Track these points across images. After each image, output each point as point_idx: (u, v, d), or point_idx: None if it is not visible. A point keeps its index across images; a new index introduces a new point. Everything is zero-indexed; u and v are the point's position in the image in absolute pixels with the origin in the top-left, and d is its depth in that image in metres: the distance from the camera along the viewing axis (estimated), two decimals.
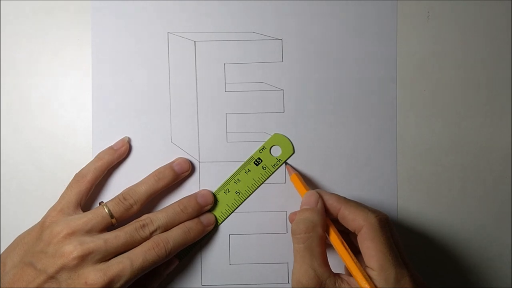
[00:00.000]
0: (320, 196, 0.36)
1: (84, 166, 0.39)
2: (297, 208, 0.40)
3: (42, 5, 0.41)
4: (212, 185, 0.41)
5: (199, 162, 0.41)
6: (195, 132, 0.41)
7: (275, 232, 0.41)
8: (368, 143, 0.41)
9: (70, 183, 0.39)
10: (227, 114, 0.41)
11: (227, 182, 0.41)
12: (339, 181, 0.41)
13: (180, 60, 0.41)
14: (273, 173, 0.41)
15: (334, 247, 0.35)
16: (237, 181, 0.41)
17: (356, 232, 0.34)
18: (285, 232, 0.41)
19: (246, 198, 0.41)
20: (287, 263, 0.41)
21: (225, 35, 0.41)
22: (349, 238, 0.37)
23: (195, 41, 0.41)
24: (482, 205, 0.41)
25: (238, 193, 0.41)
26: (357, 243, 0.34)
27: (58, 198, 0.38)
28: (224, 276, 0.41)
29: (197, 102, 0.41)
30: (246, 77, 0.41)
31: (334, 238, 0.35)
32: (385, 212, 0.35)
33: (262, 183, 0.41)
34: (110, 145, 0.40)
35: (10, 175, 0.41)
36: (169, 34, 0.41)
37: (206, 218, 0.40)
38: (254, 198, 0.41)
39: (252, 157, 0.41)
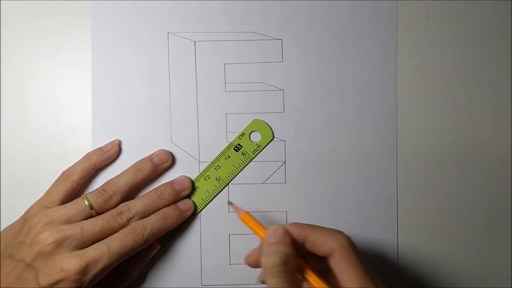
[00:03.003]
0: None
1: (72, 164, 0.40)
2: (297, 207, 0.41)
3: (42, 5, 0.41)
4: None
5: (199, 162, 0.41)
6: (195, 132, 0.41)
7: None
8: (368, 143, 0.41)
9: (56, 180, 0.39)
10: (227, 114, 0.41)
11: (207, 169, 0.41)
12: (338, 182, 0.41)
13: (180, 60, 0.41)
14: (252, 159, 0.41)
15: (307, 279, 0.33)
16: (217, 167, 0.41)
17: (328, 256, 0.32)
18: None
19: (227, 185, 0.41)
20: None
21: (225, 35, 0.41)
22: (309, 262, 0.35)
23: (195, 41, 0.41)
24: (482, 205, 0.41)
25: (218, 180, 0.41)
26: (321, 267, 0.33)
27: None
28: (224, 276, 0.41)
29: (197, 102, 0.41)
30: (246, 77, 0.41)
31: (306, 270, 0.33)
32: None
33: (242, 169, 0.41)
34: None
35: (10, 175, 0.41)
36: (169, 34, 0.41)
37: (184, 204, 0.39)
38: (254, 198, 0.41)
39: (231, 143, 0.41)
